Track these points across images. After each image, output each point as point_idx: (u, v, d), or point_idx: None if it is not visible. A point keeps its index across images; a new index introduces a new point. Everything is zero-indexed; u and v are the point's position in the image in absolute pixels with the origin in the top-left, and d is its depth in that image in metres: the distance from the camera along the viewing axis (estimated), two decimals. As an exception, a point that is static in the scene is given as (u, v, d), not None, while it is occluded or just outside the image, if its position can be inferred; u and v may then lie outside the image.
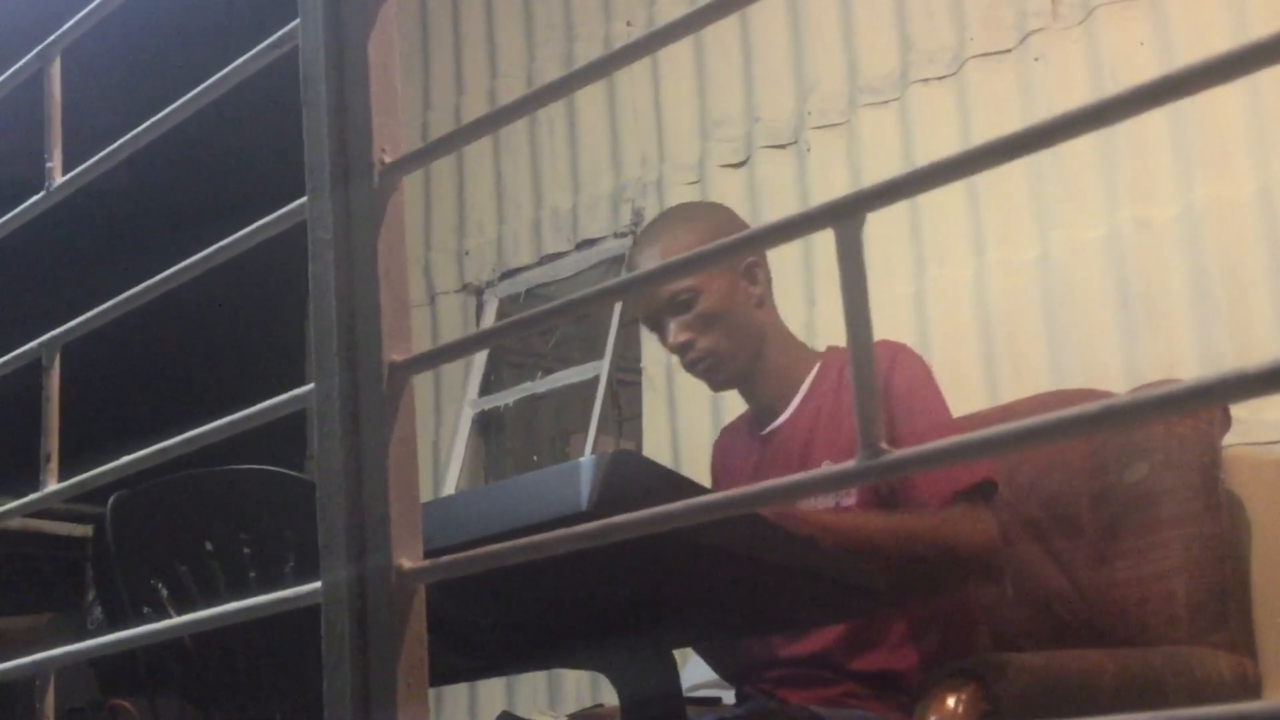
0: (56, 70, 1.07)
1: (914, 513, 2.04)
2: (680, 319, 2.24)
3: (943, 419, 2.12)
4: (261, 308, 4.64)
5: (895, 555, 1.96)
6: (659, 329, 2.29)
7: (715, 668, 2.36)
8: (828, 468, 0.58)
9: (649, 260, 2.27)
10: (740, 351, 2.25)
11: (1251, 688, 2.26)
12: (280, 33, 0.84)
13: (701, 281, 2.22)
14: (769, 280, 2.32)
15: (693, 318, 2.23)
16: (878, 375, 2.09)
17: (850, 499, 2.11)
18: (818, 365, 2.29)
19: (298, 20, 0.82)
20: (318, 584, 0.75)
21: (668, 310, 2.25)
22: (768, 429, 2.31)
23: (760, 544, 1.53)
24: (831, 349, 2.33)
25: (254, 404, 0.87)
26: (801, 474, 0.60)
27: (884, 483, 2.10)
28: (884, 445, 0.54)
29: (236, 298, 3.84)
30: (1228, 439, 2.44)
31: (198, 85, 0.94)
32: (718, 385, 2.32)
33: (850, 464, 0.55)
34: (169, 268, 0.96)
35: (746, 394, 2.35)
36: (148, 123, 0.96)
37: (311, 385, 0.78)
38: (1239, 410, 2.45)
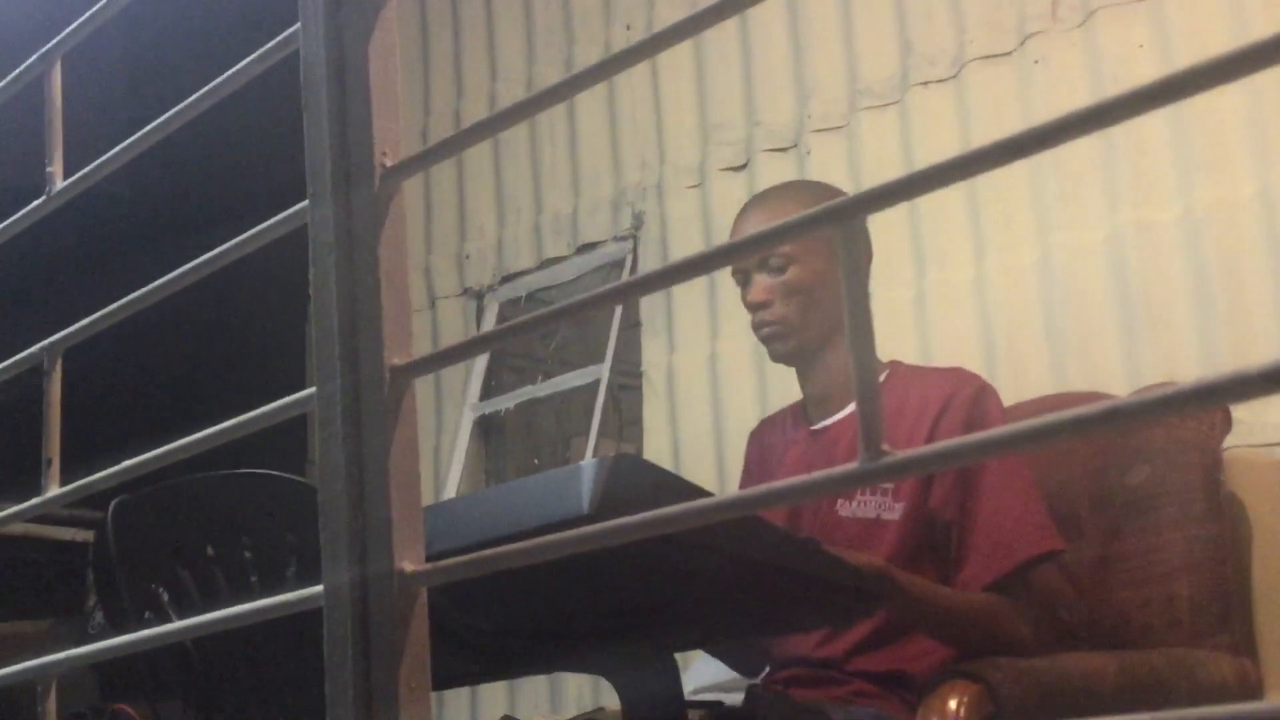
0: (57, 75, 1.07)
1: (973, 595, 2.06)
2: (767, 279, 2.26)
3: (1033, 489, 2.13)
4: (262, 311, 4.63)
5: (939, 622, 2.03)
6: (744, 283, 2.31)
7: (728, 662, 2.36)
8: (828, 472, 0.58)
9: (751, 226, 2.28)
10: (810, 330, 2.26)
11: (1253, 690, 2.25)
12: (280, 37, 0.84)
13: (798, 250, 2.24)
14: (867, 279, 2.31)
15: (779, 283, 2.25)
16: (956, 405, 2.12)
17: (894, 513, 2.12)
18: (884, 375, 2.28)
19: (298, 24, 0.82)
20: (320, 587, 0.75)
21: (758, 266, 2.27)
22: (820, 424, 2.31)
23: (762, 547, 1.53)
24: (894, 363, 2.32)
25: (255, 408, 0.87)
26: (803, 476, 0.60)
27: (937, 518, 2.12)
28: (885, 447, 0.54)
29: (238, 302, 3.84)
30: (1229, 441, 2.44)
31: (199, 90, 0.94)
32: (776, 356, 2.32)
33: (853, 465, 0.55)
34: (170, 272, 0.96)
35: (802, 378, 2.35)
36: (148, 128, 0.96)
37: (313, 389, 0.78)
38: (1240, 412, 2.45)
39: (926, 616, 2.01)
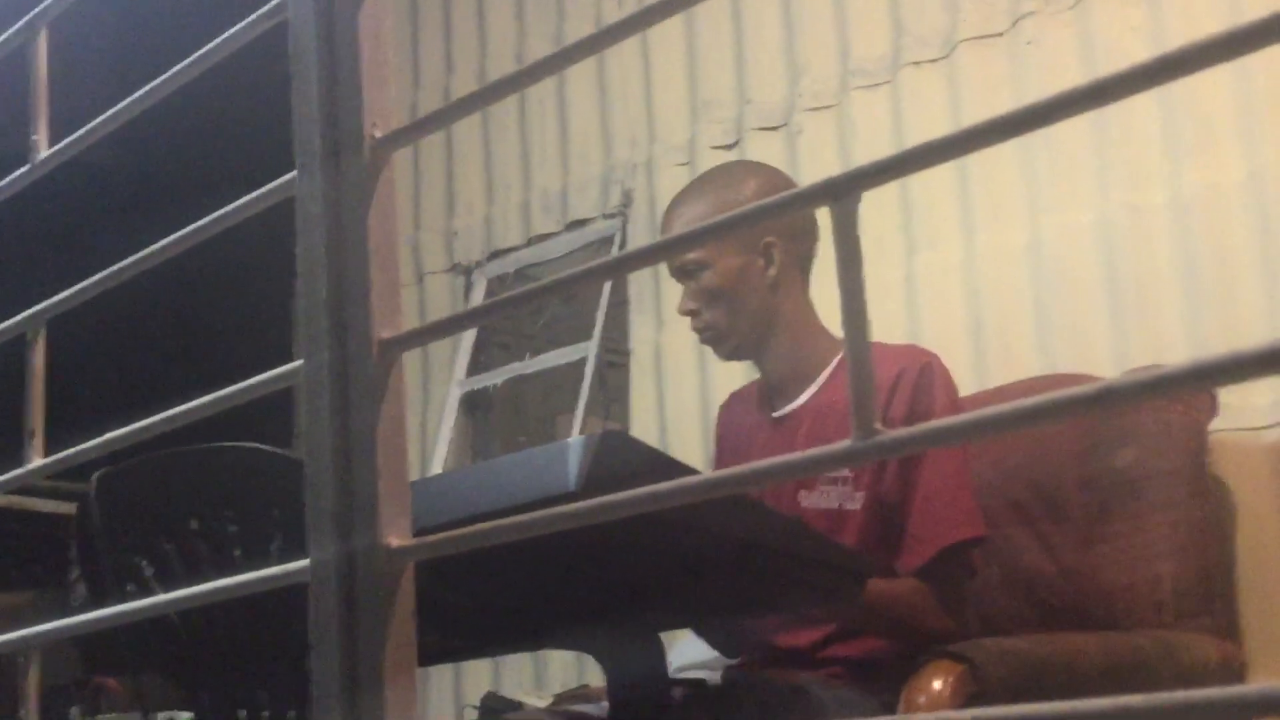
0: (43, 43, 1.06)
1: (897, 584, 2.06)
2: (688, 288, 2.25)
3: (965, 476, 2.12)
4: (252, 282, 4.62)
5: (869, 614, 2.02)
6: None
7: (710, 643, 2.36)
8: (822, 449, 0.58)
9: (678, 224, 2.26)
10: (741, 330, 2.23)
11: (1237, 672, 2.26)
12: (269, 5, 0.83)
13: (711, 255, 2.21)
14: (795, 263, 2.26)
15: (698, 289, 2.23)
16: (904, 383, 2.11)
17: (855, 504, 2.12)
18: (839, 357, 2.26)
19: (288, -8, 0.81)
20: (306, 562, 0.74)
21: (678, 276, 2.27)
22: (780, 411, 2.29)
23: (747, 525, 1.53)
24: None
25: (242, 380, 0.86)
26: (793, 454, 0.60)
27: (885, 502, 2.11)
28: (878, 425, 0.54)
29: (227, 272, 3.82)
30: (1215, 424, 2.44)
31: (187, 58, 0.93)
32: (723, 356, 2.32)
33: (845, 443, 0.55)
34: (157, 242, 0.96)
35: (759, 369, 2.34)
36: (134, 96, 0.95)
37: (300, 362, 0.78)
38: (1226, 396, 2.46)
39: (864, 613, 2.01)
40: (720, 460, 2.48)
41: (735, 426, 2.44)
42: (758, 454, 2.29)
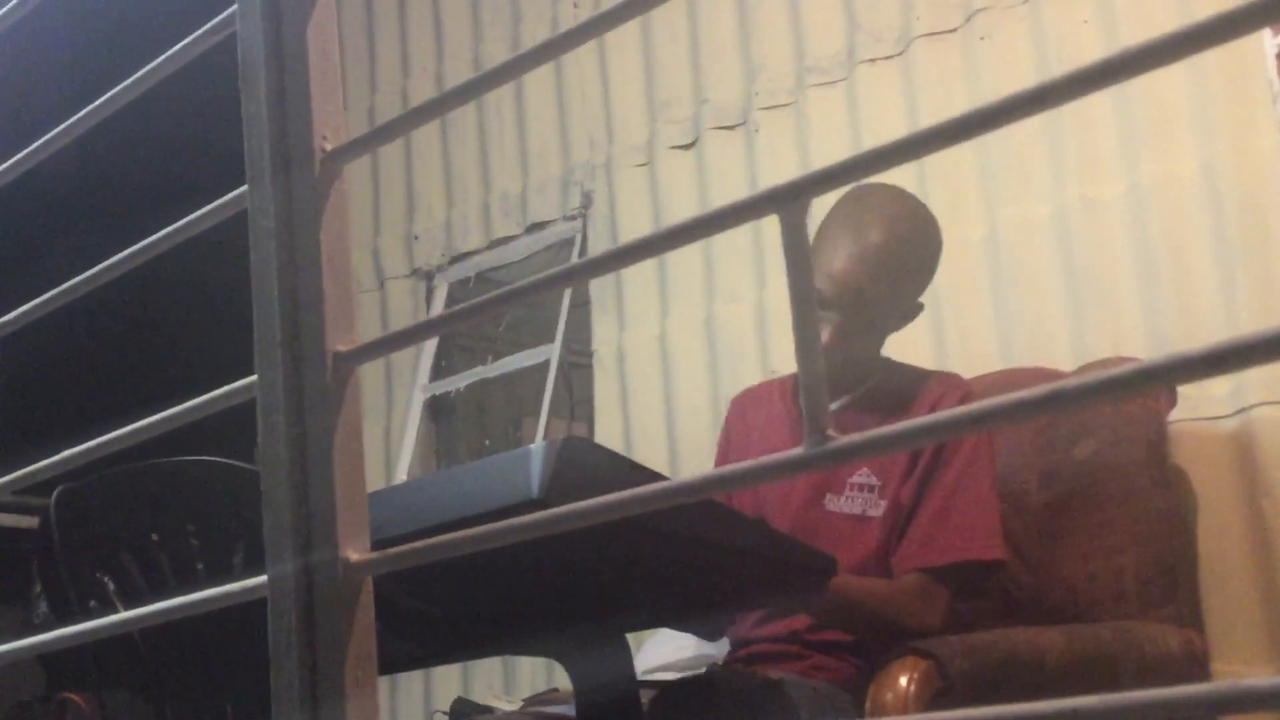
0: (-9, 58, 1.05)
1: (881, 584, 2.09)
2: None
3: (994, 498, 2.15)
4: (215, 295, 4.59)
5: (848, 610, 2.04)
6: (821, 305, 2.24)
7: (693, 630, 2.36)
8: (771, 457, 0.58)
9: (842, 250, 2.19)
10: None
11: (1199, 661, 2.28)
12: (217, 19, 0.83)
13: (870, 286, 2.19)
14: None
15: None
16: (944, 407, 2.12)
17: (878, 511, 2.15)
18: (879, 375, 2.28)
19: (236, 6, 0.81)
20: (264, 577, 0.74)
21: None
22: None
23: (711, 527, 1.53)
24: (886, 360, 2.30)
25: (208, 393, 0.86)
26: (749, 461, 0.60)
27: (900, 508, 2.15)
28: (831, 435, 0.54)
29: (190, 283, 3.80)
30: (1174, 415, 2.46)
31: (143, 67, 0.92)
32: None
33: (797, 451, 0.55)
34: (115, 252, 0.95)
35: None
36: (83, 111, 0.94)
37: (254, 377, 0.77)
38: (1185, 386, 2.47)
39: (836, 609, 2.02)
40: (727, 448, 2.48)
41: (749, 419, 2.44)
42: (788, 438, 2.30)
